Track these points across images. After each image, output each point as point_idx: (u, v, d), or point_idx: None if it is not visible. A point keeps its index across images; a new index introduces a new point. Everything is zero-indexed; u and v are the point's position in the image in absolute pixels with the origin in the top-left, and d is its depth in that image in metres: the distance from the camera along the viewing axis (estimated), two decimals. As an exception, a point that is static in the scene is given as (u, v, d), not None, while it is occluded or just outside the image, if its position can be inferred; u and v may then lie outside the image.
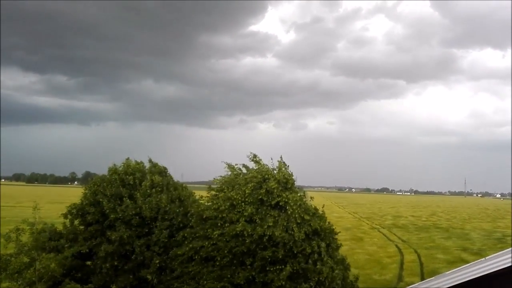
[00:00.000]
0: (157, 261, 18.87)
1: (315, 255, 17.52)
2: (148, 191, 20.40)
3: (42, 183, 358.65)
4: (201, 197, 20.98)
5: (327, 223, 19.33)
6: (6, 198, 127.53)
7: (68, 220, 21.02)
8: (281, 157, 19.67)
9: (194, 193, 22.73)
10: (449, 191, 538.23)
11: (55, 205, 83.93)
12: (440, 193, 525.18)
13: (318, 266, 17.12)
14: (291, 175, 19.28)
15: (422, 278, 30.17)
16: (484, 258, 9.58)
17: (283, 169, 19.35)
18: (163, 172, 22.78)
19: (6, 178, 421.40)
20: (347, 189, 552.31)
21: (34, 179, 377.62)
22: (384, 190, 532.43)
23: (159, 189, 20.86)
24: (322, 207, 20.12)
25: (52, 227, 20.09)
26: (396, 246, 48.44)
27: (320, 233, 18.42)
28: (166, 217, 19.80)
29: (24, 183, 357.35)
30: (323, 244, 18.05)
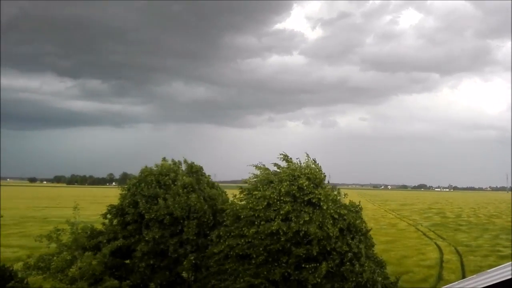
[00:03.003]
0: (192, 258, 19.17)
1: (349, 254, 17.25)
2: (180, 190, 20.72)
3: (82, 185, 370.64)
4: (234, 196, 21.10)
5: (361, 220, 19.03)
6: (48, 199, 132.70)
7: (107, 219, 21.69)
8: (307, 155, 19.63)
9: (226, 192, 22.89)
10: (490, 187, 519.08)
11: (94, 205, 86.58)
12: (480, 189, 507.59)
13: (357, 268, 16.86)
14: (320, 171, 19.16)
15: (463, 277, 29.23)
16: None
17: (312, 165, 19.28)
18: (199, 171, 23.07)
19: (48, 180, 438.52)
20: (382, 186, 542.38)
21: (74, 180, 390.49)
22: (421, 187, 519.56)
23: (191, 189, 21.15)
24: (359, 203, 19.85)
25: (92, 227, 20.69)
26: (436, 244, 47.13)
27: (352, 229, 18.15)
28: (195, 216, 20.05)
29: (64, 185, 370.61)
30: (362, 246, 17.76)
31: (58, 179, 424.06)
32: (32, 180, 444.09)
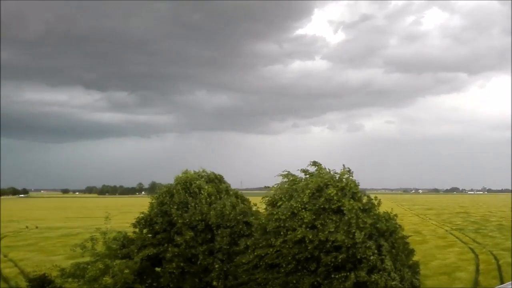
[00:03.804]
0: (217, 266, 19.35)
1: (372, 257, 17.01)
2: (208, 199, 21.03)
3: (113, 194, 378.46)
4: (255, 204, 21.27)
5: (396, 226, 18.76)
6: (81, 209, 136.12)
7: (137, 229, 22.18)
8: (343, 165, 19.43)
9: (250, 201, 23.07)
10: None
11: (126, 214, 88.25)
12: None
13: (373, 277, 16.63)
14: (355, 183, 18.90)
15: (501, 282, 28.29)
16: None
17: (346, 176, 19.07)
18: (219, 180, 23.41)
19: (80, 191, 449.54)
20: (413, 190, 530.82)
21: (105, 191, 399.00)
22: (454, 190, 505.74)
23: (219, 197, 21.47)
24: (391, 211, 19.55)
25: (124, 235, 21.18)
26: (470, 248, 45.79)
27: (387, 236, 17.91)
28: (228, 224, 20.23)
29: (96, 195, 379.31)
30: (386, 245, 17.53)
31: (89, 190, 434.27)
32: (65, 191, 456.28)
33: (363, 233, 17.29)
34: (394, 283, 16.78)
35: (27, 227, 75.03)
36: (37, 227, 74.74)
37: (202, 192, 21.53)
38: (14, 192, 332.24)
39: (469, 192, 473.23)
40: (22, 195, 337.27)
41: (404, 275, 17.66)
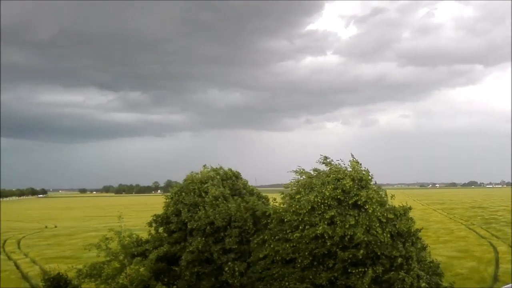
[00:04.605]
0: (231, 265, 19.30)
1: (399, 259, 16.76)
2: (214, 202, 20.86)
3: (129, 193, 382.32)
4: (274, 199, 21.07)
5: (411, 221, 18.42)
6: (98, 209, 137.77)
7: (153, 228, 22.27)
8: (352, 155, 19.20)
9: (267, 196, 22.89)
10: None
11: (142, 213, 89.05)
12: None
13: (401, 275, 16.37)
14: (367, 172, 18.70)
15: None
16: None
17: (356, 167, 18.85)
18: (236, 177, 23.30)
19: (97, 190, 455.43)
20: (430, 185, 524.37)
21: (122, 190, 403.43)
22: (471, 184, 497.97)
23: (227, 196, 21.32)
24: (409, 207, 19.21)
25: (137, 236, 21.24)
26: (490, 243, 44.99)
27: (406, 235, 17.60)
28: (237, 225, 20.14)
29: (113, 194, 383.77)
30: (413, 249, 17.22)
31: (106, 189, 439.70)
32: (82, 191, 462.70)
33: (387, 230, 17.05)
34: (424, 285, 16.47)
35: (46, 226, 76.27)
36: (56, 227, 75.92)
37: (208, 195, 21.35)
38: (33, 192, 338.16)
39: (487, 186, 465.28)
40: (41, 195, 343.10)
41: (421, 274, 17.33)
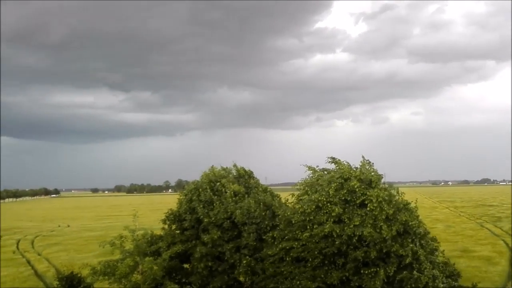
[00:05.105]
0: (244, 262, 19.46)
1: (408, 258, 16.68)
2: (235, 198, 21.11)
3: (141, 193, 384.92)
4: (286, 200, 21.18)
5: (418, 220, 18.30)
6: (111, 208, 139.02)
7: (166, 225, 22.51)
8: (363, 156, 19.18)
9: (279, 195, 23.00)
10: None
11: (153, 212, 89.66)
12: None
13: (415, 275, 16.31)
14: (376, 172, 18.65)
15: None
16: None
17: (367, 167, 18.80)
18: (249, 175, 23.42)
19: (109, 190, 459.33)
20: (442, 183, 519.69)
21: (134, 189, 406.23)
22: (485, 181, 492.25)
23: (246, 193, 21.51)
24: (415, 202, 19.13)
25: (151, 233, 21.49)
26: (504, 241, 44.50)
27: (410, 231, 17.50)
28: (254, 221, 20.30)
29: (125, 194, 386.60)
30: (421, 251, 17.07)
31: (118, 189, 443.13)
32: (95, 190, 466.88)
33: (394, 228, 16.99)
34: (442, 286, 16.34)
35: (59, 226, 77.17)
36: (68, 226, 76.79)
37: (227, 191, 21.57)
38: (46, 192, 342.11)
39: (501, 183, 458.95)
40: (53, 195, 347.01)
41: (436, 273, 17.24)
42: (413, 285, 16.21)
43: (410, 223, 17.51)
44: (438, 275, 16.81)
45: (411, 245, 16.89)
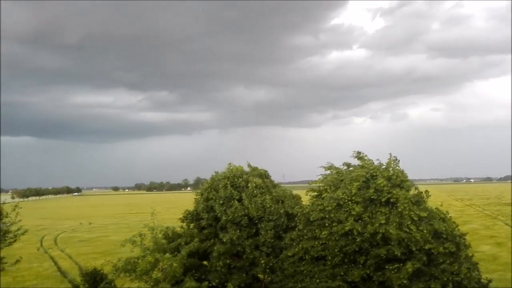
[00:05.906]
0: (263, 261, 19.40)
1: (442, 256, 16.45)
2: (255, 191, 21.08)
3: (160, 191, 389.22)
4: (305, 195, 21.01)
5: (452, 224, 17.97)
6: (131, 206, 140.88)
7: (184, 223, 22.64)
8: (390, 154, 18.85)
9: (298, 195, 22.88)
10: None
11: (173, 209, 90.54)
12: None
13: (455, 267, 16.08)
14: (403, 172, 18.33)
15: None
16: None
17: (393, 165, 18.49)
18: (263, 175, 23.39)
19: (129, 188, 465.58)
20: (464, 180, 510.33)
21: (153, 187, 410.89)
22: (508, 178, 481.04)
23: (263, 190, 21.46)
24: (441, 205, 18.77)
25: (172, 229, 21.66)
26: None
27: (443, 235, 17.21)
28: (271, 218, 20.24)
29: (144, 192, 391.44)
30: (453, 249, 16.86)
31: (138, 187, 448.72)
32: (115, 189, 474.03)
33: (421, 228, 16.76)
34: (475, 273, 16.13)
35: (81, 223, 78.63)
36: (90, 223, 78.16)
37: (249, 185, 21.52)
38: (68, 191, 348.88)
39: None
40: (75, 194, 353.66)
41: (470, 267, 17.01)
42: (450, 278, 15.95)
43: (446, 228, 17.22)
44: (472, 268, 16.62)
45: (447, 245, 16.63)
